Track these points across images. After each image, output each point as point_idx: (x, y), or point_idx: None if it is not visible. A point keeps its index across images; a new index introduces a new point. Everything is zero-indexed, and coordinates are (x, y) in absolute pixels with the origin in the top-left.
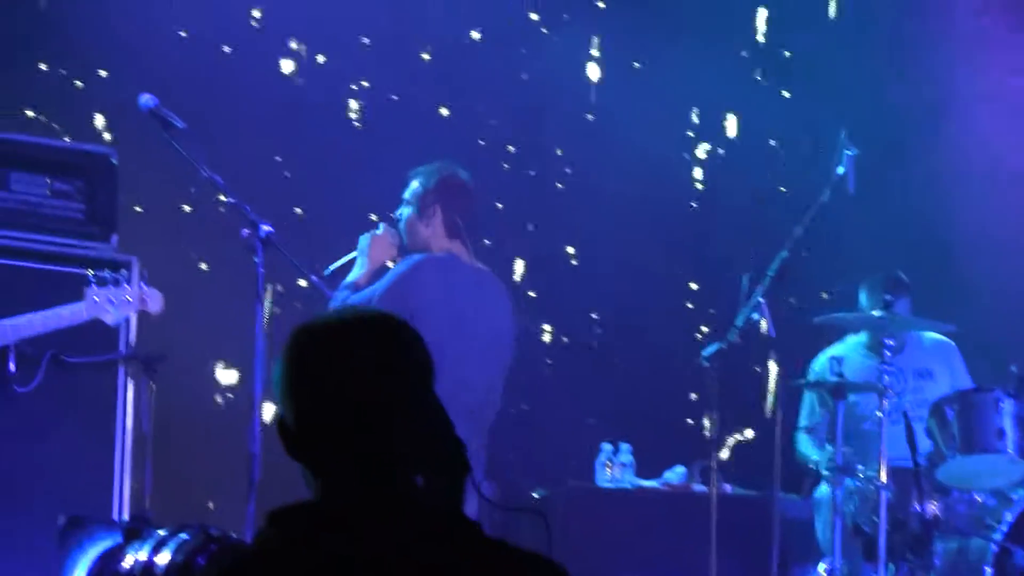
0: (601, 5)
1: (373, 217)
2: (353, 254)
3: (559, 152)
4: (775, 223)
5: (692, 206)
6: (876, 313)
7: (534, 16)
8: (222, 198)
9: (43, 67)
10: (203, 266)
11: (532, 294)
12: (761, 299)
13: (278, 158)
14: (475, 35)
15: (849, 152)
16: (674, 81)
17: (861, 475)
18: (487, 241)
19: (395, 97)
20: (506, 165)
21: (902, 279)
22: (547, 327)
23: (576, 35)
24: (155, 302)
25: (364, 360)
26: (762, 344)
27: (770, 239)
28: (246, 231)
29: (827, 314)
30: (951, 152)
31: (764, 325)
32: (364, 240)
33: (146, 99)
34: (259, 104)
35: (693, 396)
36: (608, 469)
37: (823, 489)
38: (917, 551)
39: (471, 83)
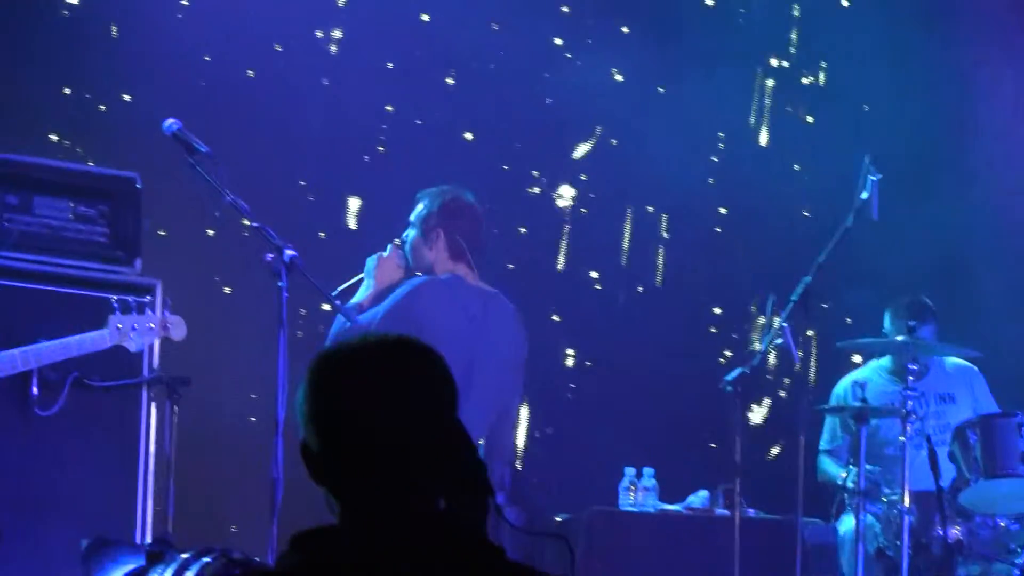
0: (625, 30)
1: (396, 242)
2: (360, 276)
3: (583, 177)
4: (799, 248)
5: (716, 231)
6: (900, 338)
7: (558, 41)
8: (246, 222)
9: (67, 91)
10: (227, 290)
11: (556, 318)
12: (784, 324)
13: (302, 182)
14: (498, 59)
15: (873, 177)
16: (698, 106)
17: (885, 500)
18: (510, 265)
19: (419, 122)
20: (530, 190)
21: (927, 304)
22: (570, 351)
23: (600, 60)
24: (178, 329)
25: (386, 385)
26: (785, 368)
27: (794, 264)
28: (270, 255)
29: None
30: (975, 175)
31: (788, 350)
32: (371, 262)
33: (170, 123)
34: (283, 128)
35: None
36: (631, 493)
37: (848, 523)
38: None
39: (495, 108)
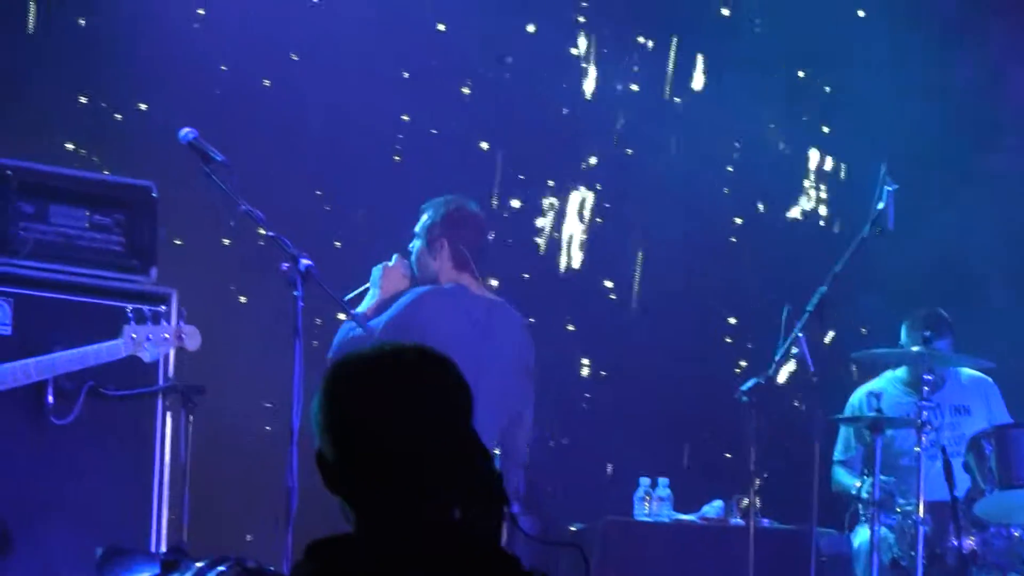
0: (641, 40)
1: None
2: (366, 286)
3: (598, 187)
4: (814, 258)
5: (731, 240)
6: (915, 348)
7: (574, 51)
8: (261, 231)
9: (83, 100)
10: (242, 299)
11: (571, 328)
12: (800, 334)
13: (318, 192)
14: (515, 69)
15: (889, 187)
16: (713, 115)
17: (899, 510)
18: (525, 275)
19: (435, 131)
20: (545, 199)
21: (944, 317)
22: (585, 361)
23: (616, 70)
24: (193, 339)
25: (401, 395)
26: (801, 379)
27: (809, 274)
28: (285, 264)
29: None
30: (992, 185)
31: (802, 360)
32: (376, 272)
33: (186, 132)
34: (298, 137)
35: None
36: (646, 503)
37: (863, 535)
38: None
39: (511, 117)
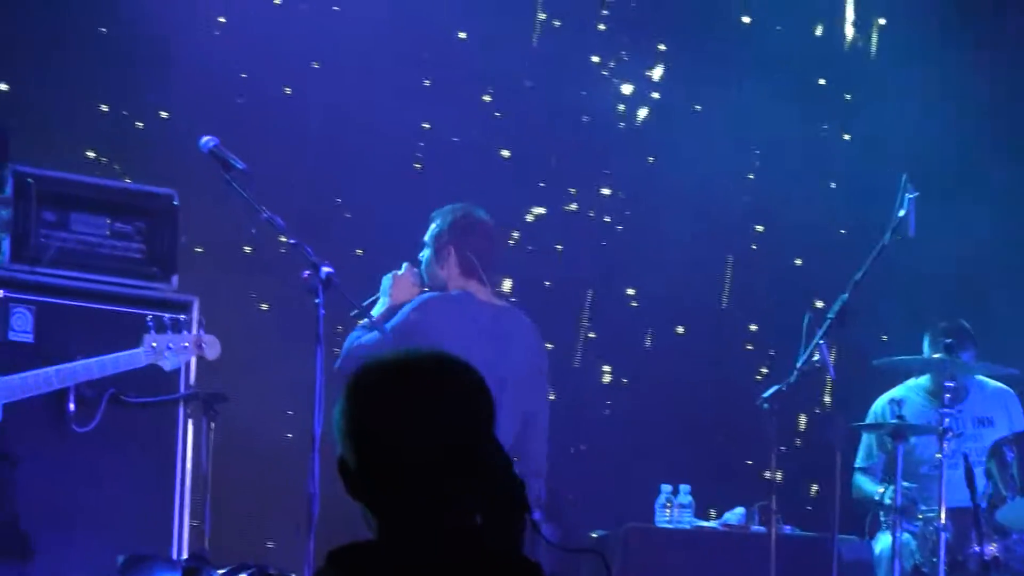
0: (662, 47)
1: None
2: (377, 296)
3: (621, 194)
4: (835, 265)
5: (752, 248)
6: (937, 356)
7: (595, 58)
8: (283, 239)
9: (104, 108)
10: (263, 306)
11: (592, 335)
12: (821, 341)
13: (338, 199)
14: (536, 77)
15: (910, 195)
16: (734, 123)
17: (921, 517)
18: (547, 283)
19: (456, 139)
20: (566, 207)
21: (966, 328)
22: (606, 368)
23: (636, 77)
24: (212, 349)
25: (422, 402)
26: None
27: (830, 281)
28: (306, 272)
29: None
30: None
31: (823, 367)
32: (386, 281)
33: (206, 140)
34: (319, 145)
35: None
36: (667, 510)
37: (884, 542)
38: None
39: (532, 125)
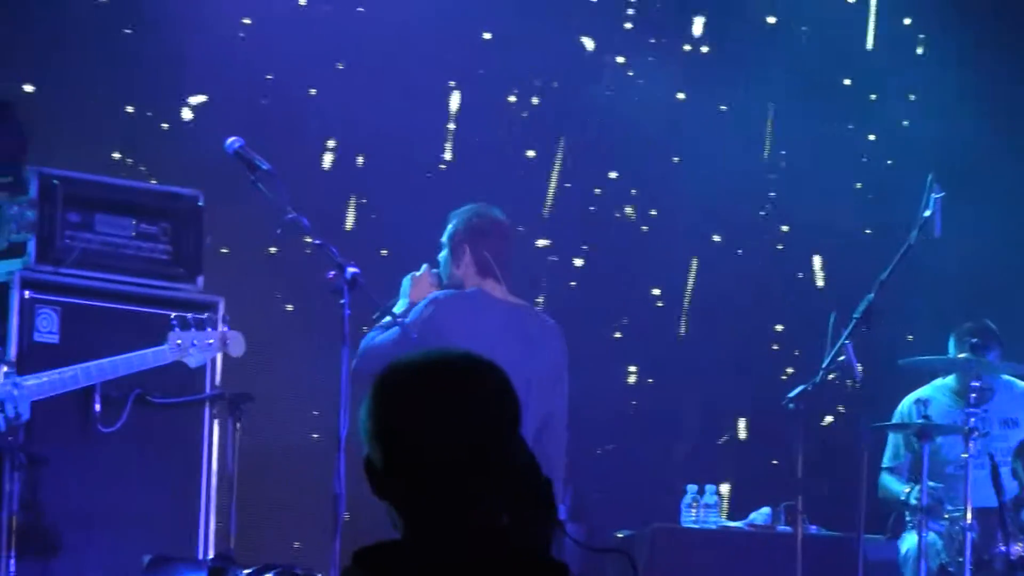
0: (687, 48)
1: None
2: (397, 299)
3: (646, 195)
4: (861, 264)
5: (778, 248)
6: (963, 356)
7: (620, 59)
8: (308, 240)
9: (129, 109)
10: (289, 307)
11: (618, 335)
12: (847, 341)
13: (364, 200)
14: (560, 77)
15: (936, 195)
16: (759, 123)
17: (947, 517)
18: (572, 283)
19: (481, 139)
20: (591, 207)
21: (991, 328)
22: (632, 368)
23: (662, 78)
24: (237, 345)
25: (448, 403)
26: (848, 386)
27: (856, 280)
28: (332, 272)
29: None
30: None
31: (849, 367)
32: (406, 282)
33: (232, 141)
34: (344, 146)
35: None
36: (693, 510)
37: (910, 541)
38: None
39: (557, 125)
